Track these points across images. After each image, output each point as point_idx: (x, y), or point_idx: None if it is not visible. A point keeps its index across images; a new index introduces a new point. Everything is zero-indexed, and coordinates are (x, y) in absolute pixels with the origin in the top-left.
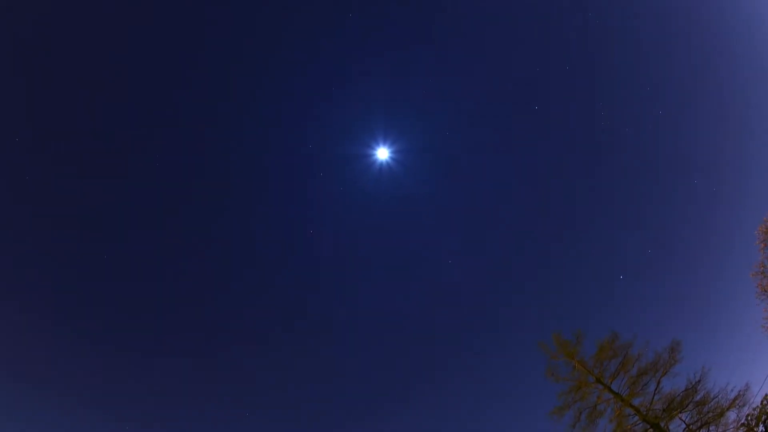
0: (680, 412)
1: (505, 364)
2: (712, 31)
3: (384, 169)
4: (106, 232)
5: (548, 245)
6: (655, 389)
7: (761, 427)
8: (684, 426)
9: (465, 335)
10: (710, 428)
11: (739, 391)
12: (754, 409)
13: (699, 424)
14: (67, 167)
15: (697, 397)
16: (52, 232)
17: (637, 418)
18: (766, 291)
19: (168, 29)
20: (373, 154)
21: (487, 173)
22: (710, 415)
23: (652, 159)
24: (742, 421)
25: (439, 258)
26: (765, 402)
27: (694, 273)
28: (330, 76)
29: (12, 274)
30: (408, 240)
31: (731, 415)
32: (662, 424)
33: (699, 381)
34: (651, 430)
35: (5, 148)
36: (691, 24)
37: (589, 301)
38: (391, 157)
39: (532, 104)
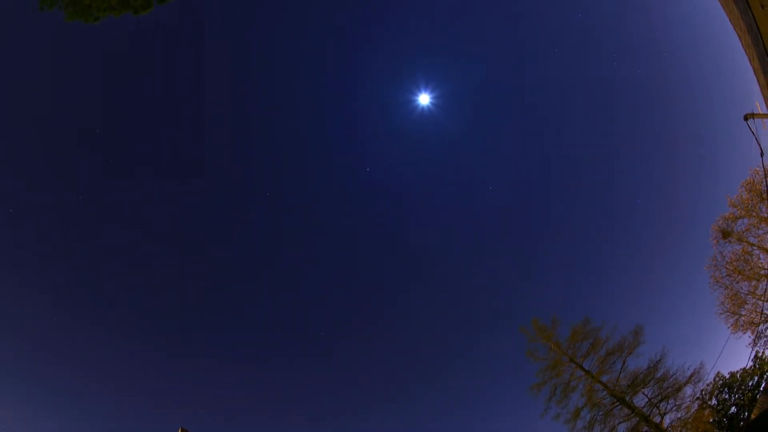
0: (643, 388)
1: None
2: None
3: (425, 113)
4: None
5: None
6: (621, 368)
7: (714, 401)
8: (646, 400)
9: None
10: (669, 402)
11: (695, 369)
12: (707, 385)
13: (659, 398)
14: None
15: (658, 375)
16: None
17: (605, 392)
18: (718, 282)
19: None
20: (416, 100)
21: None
22: (669, 390)
23: (614, 159)
24: (698, 395)
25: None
26: (717, 379)
27: (656, 265)
28: (376, 29)
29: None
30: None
31: (688, 390)
32: (627, 398)
33: (659, 360)
34: (617, 403)
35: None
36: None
37: (566, 290)
38: (431, 102)
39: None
